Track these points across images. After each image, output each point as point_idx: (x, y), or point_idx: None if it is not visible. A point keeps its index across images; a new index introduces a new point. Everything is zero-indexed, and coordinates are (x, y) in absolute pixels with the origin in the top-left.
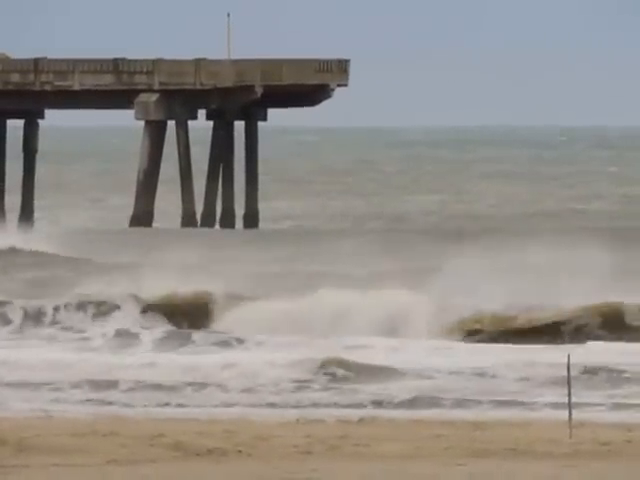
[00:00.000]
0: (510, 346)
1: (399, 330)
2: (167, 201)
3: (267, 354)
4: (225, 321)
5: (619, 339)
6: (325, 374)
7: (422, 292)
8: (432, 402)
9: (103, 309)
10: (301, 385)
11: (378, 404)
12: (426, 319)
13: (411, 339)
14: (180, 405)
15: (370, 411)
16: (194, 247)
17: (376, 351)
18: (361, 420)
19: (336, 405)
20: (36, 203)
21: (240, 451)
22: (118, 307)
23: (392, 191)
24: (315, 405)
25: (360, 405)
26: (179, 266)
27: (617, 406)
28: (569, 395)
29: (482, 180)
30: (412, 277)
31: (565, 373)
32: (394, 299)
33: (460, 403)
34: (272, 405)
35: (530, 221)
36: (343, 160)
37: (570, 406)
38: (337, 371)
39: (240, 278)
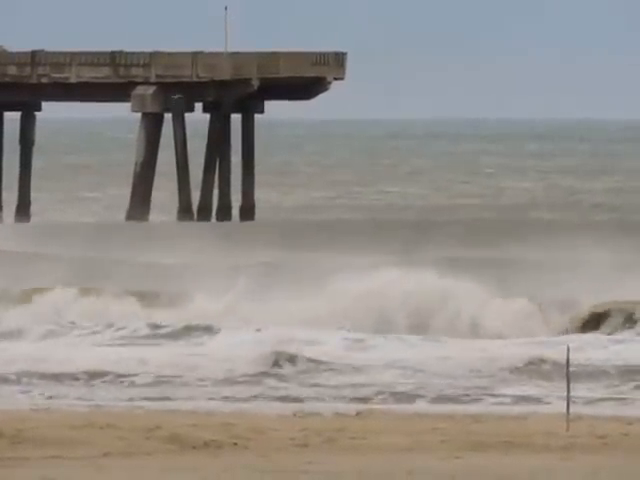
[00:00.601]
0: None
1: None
2: (165, 193)
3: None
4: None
5: None
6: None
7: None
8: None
9: None
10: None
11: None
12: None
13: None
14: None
15: (367, 405)
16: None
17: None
18: (358, 413)
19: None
20: (33, 195)
21: (236, 444)
22: None
23: (384, 183)
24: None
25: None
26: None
27: (614, 400)
28: (568, 388)
29: (474, 173)
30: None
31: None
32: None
33: (454, 396)
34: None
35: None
36: (336, 153)
37: (568, 399)
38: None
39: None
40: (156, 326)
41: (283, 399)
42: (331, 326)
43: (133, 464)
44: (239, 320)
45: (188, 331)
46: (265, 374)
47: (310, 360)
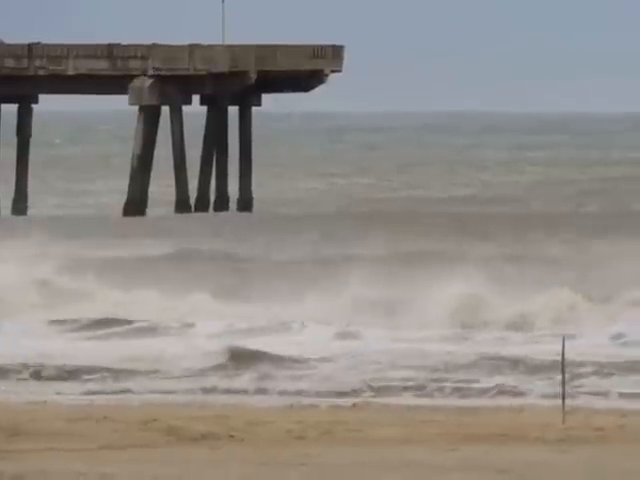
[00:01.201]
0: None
1: None
2: (162, 186)
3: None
4: None
5: None
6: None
7: None
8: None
9: None
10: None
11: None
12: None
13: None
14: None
15: (363, 397)
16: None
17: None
18: (354, 405)
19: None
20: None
21: (233, 436)
22: None
23: (379, 176)
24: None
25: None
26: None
27: (611, 393)
28: (563, 380)
29: (469, 166)
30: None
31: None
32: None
33: (448, 389)
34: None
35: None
36: (326, 147)
37: (564, 391)
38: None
39: None
40: (131, 320)
41: (279, 392)
42: (305, 320)
43: (130, 456)
44: (212, 314)
45: (169, 325)
46: (255, 368)
47: (294, 354)
